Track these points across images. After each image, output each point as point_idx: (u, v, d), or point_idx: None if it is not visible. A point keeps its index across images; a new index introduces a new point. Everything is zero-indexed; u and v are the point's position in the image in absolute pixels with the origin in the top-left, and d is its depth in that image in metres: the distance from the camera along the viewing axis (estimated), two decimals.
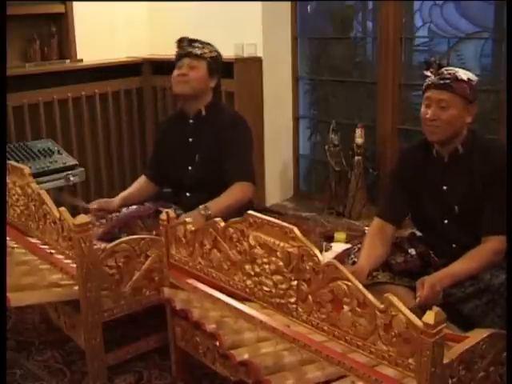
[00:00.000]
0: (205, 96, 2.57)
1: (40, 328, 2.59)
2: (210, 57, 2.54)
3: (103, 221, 2.56)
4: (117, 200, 2.63)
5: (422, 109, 2.03)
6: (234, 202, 2.40)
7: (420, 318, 1.33)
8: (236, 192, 2.44)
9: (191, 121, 2.60)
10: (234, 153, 2.49)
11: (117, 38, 4.22)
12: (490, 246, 1.95)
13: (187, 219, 1.95)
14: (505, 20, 3.07)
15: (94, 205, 2.57)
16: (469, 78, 1.99)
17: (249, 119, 3.84)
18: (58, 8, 3.89)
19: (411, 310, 1.38)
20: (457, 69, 2.01)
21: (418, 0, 3.55)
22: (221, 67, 2.63)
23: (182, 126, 2.61)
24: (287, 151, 4.22)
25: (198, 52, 2.52)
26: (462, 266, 1.95)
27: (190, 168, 2.58)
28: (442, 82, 1.97)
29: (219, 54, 2.63)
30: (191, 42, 2.56)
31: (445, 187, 2.08)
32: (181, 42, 2.58)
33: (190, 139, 2.59)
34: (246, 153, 2.55)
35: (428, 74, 2.02)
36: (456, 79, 1.96)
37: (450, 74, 1.98)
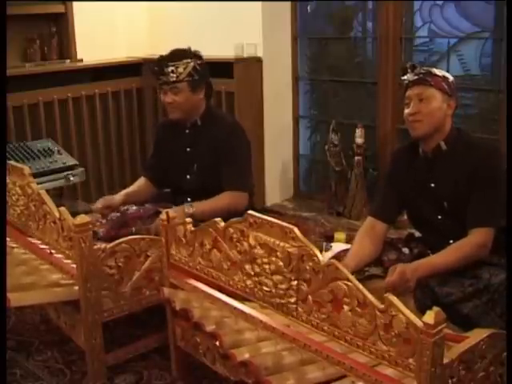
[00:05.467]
0: (198, 107, 2.55)
1: (40, 328, 2.58)
2: (188, 73, 2.44)
3: (103, 221, 2.56)
4: (120, 196, 2.63)
5: (405, 110, 2.09)
6: (220, 208, 2.39)
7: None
8: (223, 199, 2.45)
9: (187, 131, 2.59)
10: (228, 163, 2.48)
11: (117, 38, 4.23)
12: (473, 238, 1.97)
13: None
14: (505, 20, 3.07)
15: (98, 204, 2.56)
16: (444, 75, 2.06)
17: (249, 119, 3.90)
18: (58, 8, 3.90)
19: (378, 292, 1.41)
20: (431, 68, 2.09)
21: (417, 0, 3.55)
22: (205, 70, 2.53)
23: (179, 135, 2.60)
24: (287, 151, 4.22)
25: (174, 77, 2.43)
26: (440, 258, 1.97)
27: (188, 177, 2.60)
28: (417, 77, 2.05)
29: (197, 58, 2.50)
30: (162, 67, 2.44)
31: (432, 184, 2.11)
32: (152, 70, 2.50)
33: (188, 149, 2.59)
34: (240, 162, 2.53)
35: (405, 77, 2.10)
36: (431, 74, 2.04)
37: (424, 70, 2.06)
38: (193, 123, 2.57)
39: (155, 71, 2.49)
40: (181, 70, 2.44)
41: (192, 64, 2.46)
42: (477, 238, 1.96)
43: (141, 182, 2.76)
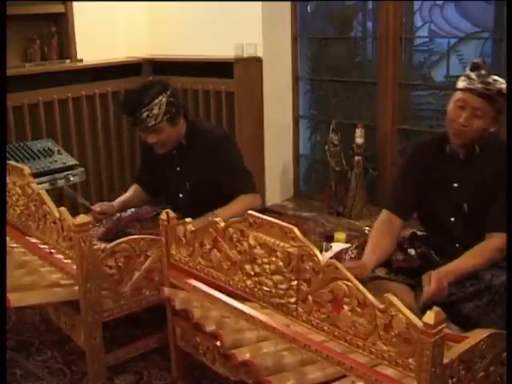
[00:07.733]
0: (181, 132, 2.47)
1: (40, 328, 2.59)
2: (164, 111, 2.30)
3: (103, 221, 2.56)
4: (117, 203, 2.64)
5: (453, 109, 1.99)
6: (243, 210, 2.34)
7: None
8: (242, 202, 2.40)
9: (174, 152, 2.52)
10: (227, 170, 2.45)
11: (117, 38, 4.23)
12: (494, 242, 1.96)
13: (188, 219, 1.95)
14: (505, 20, 3.07)
15: (96, 207, 2.56)
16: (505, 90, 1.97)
17: (249, 119, 3.90)
18: (58, 8, 3.90)
19: (411, 307, 1.39)
20: (501, 80, 1.98)
21: (417, 0, 3.55)
22: (176, 95, 2.41)
23: (167, 156, 2.53)
24: (287, 151, 4.22)
25: (152, 121, 2.30)
26: (466, 262, 1.95)
27: (181, 195, 2.57)
28: (486, 92, 1.93)
29: (166, 89, 2.34)
30: (135, 115, 2.30)
31: (456, 184, 2.08)
32: (126, 116, 2.42)
33: (178, 168, 2.55)
34: (239, 166, 2.50)
35: (473, 76, 1.97)
36: (499, 93, 1.95)
37: (495, 86, 1.95)
38: (178, 145, 2.51)
39: (129, 120, 2.38)
40: (156, 111, 2.29)
41: (165, 100, 2.31)
42: (498, 242, 1.94)
43: (135, 188, 2.76)
